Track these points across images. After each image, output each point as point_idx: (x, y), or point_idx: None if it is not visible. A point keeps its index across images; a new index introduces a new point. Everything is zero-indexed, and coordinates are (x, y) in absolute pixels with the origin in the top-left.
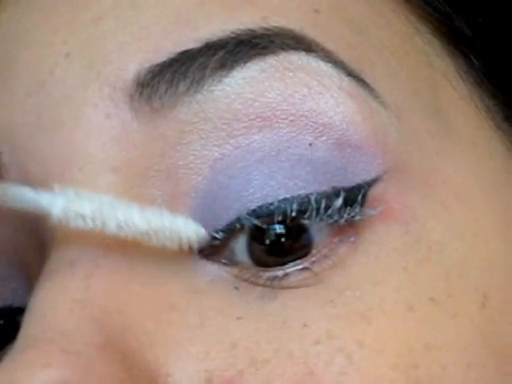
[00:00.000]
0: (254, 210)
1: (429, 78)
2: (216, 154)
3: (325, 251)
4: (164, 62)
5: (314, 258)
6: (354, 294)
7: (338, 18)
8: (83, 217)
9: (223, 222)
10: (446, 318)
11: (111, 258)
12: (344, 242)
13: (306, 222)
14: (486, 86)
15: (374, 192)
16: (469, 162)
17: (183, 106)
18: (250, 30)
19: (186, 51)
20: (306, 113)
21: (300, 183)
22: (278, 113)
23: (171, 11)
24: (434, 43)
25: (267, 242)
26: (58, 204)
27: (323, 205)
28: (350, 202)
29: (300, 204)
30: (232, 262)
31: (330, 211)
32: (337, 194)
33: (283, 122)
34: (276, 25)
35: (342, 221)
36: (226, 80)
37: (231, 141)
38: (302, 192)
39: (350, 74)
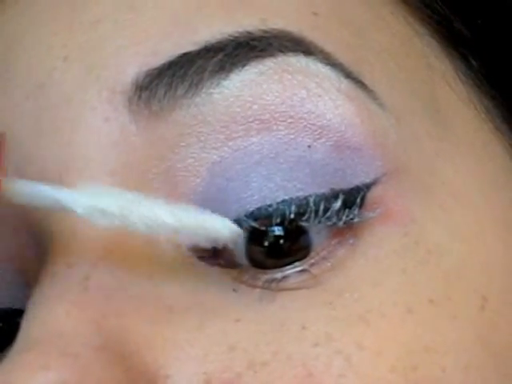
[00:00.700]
0: (252, 212)
1: (428, 79)
2: (214, 156)
3: (323, 253)
4: (163, 65)
5: (312, 260)
6: (352, 296)
7: (337, 20)
8: (108, 214)
9: None
10: (445, 320)
11: (109, 260)
12: (343, 245)
13: (304, 224)
14: (484, 87)
15: (372, 194)
16: (468, 164)
17: (182, 109)
18: (248, 32)
19: (184, 54)
20: (305, 115)
21: (298, 185)
22: (277, 115)
23: (169, 14)
24: (433, 45)
25: (266, 243)
26: (82, 201)
27: (322, 207)
28: (348, 204)
29: (298, 206)
30: (230, 264)
31: (328, 213)
32: (335, 196)
33: (282, 124)
34: (274, 27)
35: (341, 223)
36: (225, 83)
37: (230, 143)
38: (301, 194)
39: (349, 76)
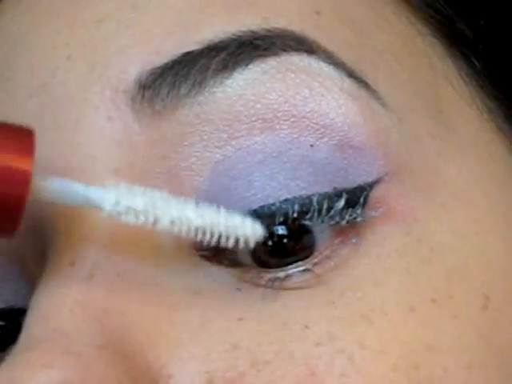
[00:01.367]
0: (255, 211)
1: (430, 79)
2: (217, 155)
3: (326, 252)
4: (166, 64)
5: (315, 260)
6: (355, 295)
7: (340, 20)
8: (135, 212)
9: None
10: (447, 319)
11: (112, 259)
12: (346, 244)
13: (307, 222)
14: (487, 87)
15: (375, 193)
16: (470, 164)
17: (185, 108)
18: (251, 31)
19: (187, 53)
20: (308, 114)
21: (302, 184)
22: (280, 114)
23: (173, 13)
24: (436, 45)
25: (269, 243)
26: (110, 198)
27: (325, 206)
28: (351, 203)
29: (301, 205)
30: (234, 263)
31: (331, 212)
32: (339, 195)
33: (285, 123)
34: (277, 26)
35: (344, 222)
36: (228, 82)
37: (233, 142)
38: (304, 193)
39: (352, 75)
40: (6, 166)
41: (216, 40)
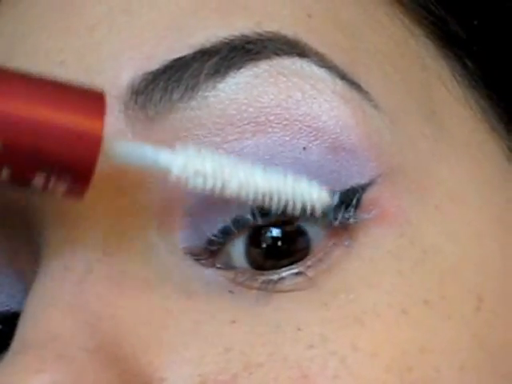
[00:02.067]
0: (251, 213)
1: (423, 80)
2: None
3: (320, 255)
4: (158, 70)
5: (309, 262)
6: (347, 298)
7: (332, 22)
8: (204, 175)
9: (219, 225)
10: (440, 321)
11: (105, 262)
12: (338, 246)
13: (301, 223)
14: (480, 88)
15: (368, 196)
16: (464, 164)
17: (178, 113)
18: (243, 35)
19: (179, 58)
20: (300, 117)
21: None
22: (272, 117)
23: (165, 18)
24: (429, 46)
25: (264, 245)
26: (179, 161)
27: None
28: (344, 203)
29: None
30: (227, 267)
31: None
32: (332, 194)
33: (277, 126)
34: (269, 30)
35: (337, 222)
36: (220, 86)
37: (225, 146)
38: None
39: (344, 77)
40: (78, 126)
41: (208, 44)
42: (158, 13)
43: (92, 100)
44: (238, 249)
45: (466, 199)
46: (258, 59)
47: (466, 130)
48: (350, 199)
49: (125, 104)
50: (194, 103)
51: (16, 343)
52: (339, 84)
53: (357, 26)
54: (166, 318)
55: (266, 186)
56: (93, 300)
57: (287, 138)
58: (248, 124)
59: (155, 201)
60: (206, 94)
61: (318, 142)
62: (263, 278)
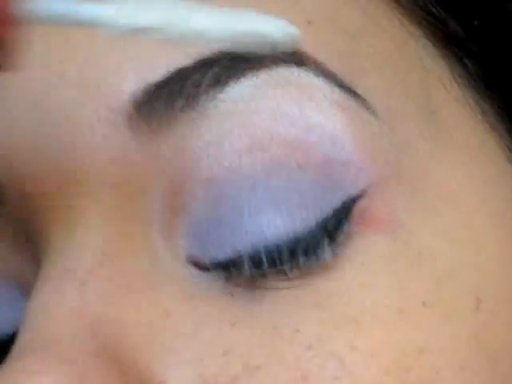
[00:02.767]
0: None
1: (423, 81)
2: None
3: (314, 257)
4: (159, 81)
5: (305, 265)
6: (341, 299)
7: (331, 28)
8: (145, 29)
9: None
10: (439, 322)
11: (106, 265)
12: (329, 251)
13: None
14: (480, 88)
15: (359, 206)
16: (463, 165)
17: (180, 124)
18: None
19: (180, 69)
20: (296, 134)
21: (288, 219)
22: (268, 135)
23: None
24: (428, 46)
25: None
26: (109, 12)
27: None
28: (335, 218)
29: (291, 251)
30: (227, 269)
31: (318, 251)
32: (323, 231)
33: (273, 143)
34: None
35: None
36: (220, 96)
37: (225, 162)
38: (292, 236)
39: (342, 85)
40: None
41: (208, 53)
42: None
43: None
44: None
45: (464, 199)
46: (258, 68)
47: (466, 130)
48: (341, 214)
49: (128, 116)
50: (194, 114)
51: (17, 347)
52: (336, 92)
53: (356, 30)
54: (166, 321)
55: (223, 28)
56: (94, 303)
57: (283, 156)
58: (245, 139)
59: (158, 203)
60: (206, 104)
61: (312, 157)
62: (262, 280)
